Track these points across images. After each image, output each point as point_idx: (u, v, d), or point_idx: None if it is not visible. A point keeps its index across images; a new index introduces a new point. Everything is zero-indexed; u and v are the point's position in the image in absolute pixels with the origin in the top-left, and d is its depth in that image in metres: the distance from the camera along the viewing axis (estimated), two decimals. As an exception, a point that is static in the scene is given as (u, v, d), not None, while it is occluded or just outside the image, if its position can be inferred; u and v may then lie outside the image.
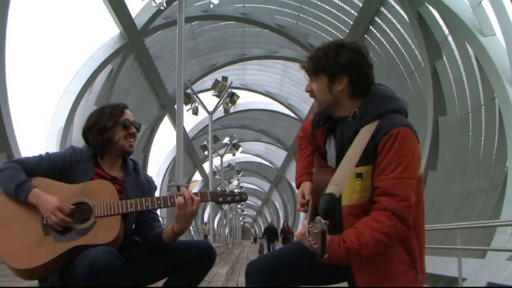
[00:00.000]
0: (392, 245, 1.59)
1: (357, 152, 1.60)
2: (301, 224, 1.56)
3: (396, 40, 16.97)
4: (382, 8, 17.01)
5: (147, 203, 1.97)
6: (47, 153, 2.07)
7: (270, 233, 19.95)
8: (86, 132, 2.11)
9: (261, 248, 22.73)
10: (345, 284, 1.81)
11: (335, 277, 1.78)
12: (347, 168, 1.60)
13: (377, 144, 1.59)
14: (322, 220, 1.42)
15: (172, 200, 1.97)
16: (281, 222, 35.13)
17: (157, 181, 30.03)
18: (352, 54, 1.67)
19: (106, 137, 2.06)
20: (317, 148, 1.89)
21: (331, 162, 1.78)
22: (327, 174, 1.69)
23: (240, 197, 2.06)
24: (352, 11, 18.64)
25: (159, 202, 1.99)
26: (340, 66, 1.67)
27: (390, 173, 1.57)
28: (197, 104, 18.29)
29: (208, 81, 25.32)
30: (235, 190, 2.13)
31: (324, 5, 19.94)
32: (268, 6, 21.77)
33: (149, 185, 2.19)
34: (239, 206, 47.10)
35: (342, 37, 1.92)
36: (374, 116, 1.64)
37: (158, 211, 2.25)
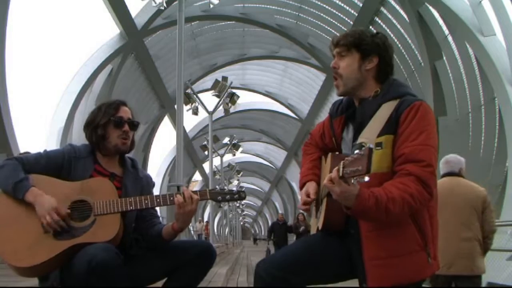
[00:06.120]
0: (407, 219, 1.58)
1: (380, 121, 1.65)
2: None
3: (396, 40, 16.96)
4: (382, 8, 17.03)
5: (146, 201, 1.98)
6: (45, 151, 2.08)
7: (280, 231, 13.57)
8: (85, 129, 2.14)
9: (268, 255, 15.78)
10: (350, 284, 1.80)
11: (345, 274, 1.76)
12: (373, 130, 1.64)
13: (400, 115, 1.63)
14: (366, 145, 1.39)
15: (171, 198, 1.98)
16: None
17: (157, 181, 30.02)
18: (386, 40, 1.78)
19: (100, 135, 2.07)
20: (333, 136, 1.89)
21: (349, 146, 1.79)
22: (343, 158, 1.70)
23: (239, 196, 2.07)
24: (352, 11, 18.66)
25: (158, 200, 2.00)
26: (375, 45, 1.74)
27: (414, 140, 1.59)
28: (197, 104, 18.28)
29: (208, 81, 25.31)
30: (234, 189, 2.13)
31: (324, 5, 19.96)
32: (268, 6, 21.78)
33: (148, 182, 2.21)
34: (238, 205, 47.09)
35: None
36: (395, 95, 1.70)
37: (158, 210, 2.26)
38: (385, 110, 1.66)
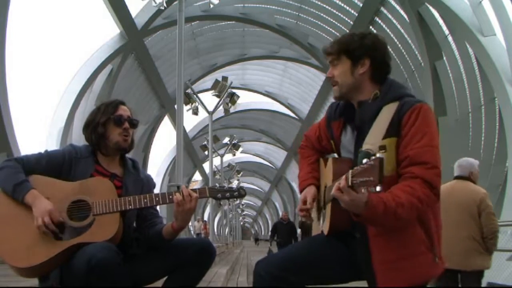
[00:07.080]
0: (413, 221, 1.59)
1: (382, 125, 1.63)
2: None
3: (396, 40, 16.97)
4: (382, 8, 17.05)
5: (145, 200, 1.96)
6: (46, 151, 2.08)
7: (284, 231, 12.50)
8: (84, 130, 2.13)
9: None
10: (355, 284, 1.80)
11: (347, 277, 1.76)
12: (377, 135, 1.63)
13: (402, 118, 1.62)
14: (376, 155, 1.38)
15: (170, 197, 1.97)
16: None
17: (157, 181, 30.03)
18: (376, 40, 1.74)
19: (100, 133, 2.07)
20: (331, 139, 1.88)
21: (348, 149, 1.78)
22: (346, 163, 1.72)
23: (238, 193, 2.05)
24: (352, 11, 18.67)
25: (157, 199, 1.98)
26: (364, 48, 1.71)
27: (418, 142, 1.58)
28: (197, 104, 18.29)
29: (208, 81, 25.32)
30: (234, 186, 2.12)
31: (324, 5, 19.98)
32: (268, 6, 21.80)
33: (148, 182, 2.20)
34: (238, 205, 47.08)
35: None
36: (395, 97, 1.68)
37: (158, 210, 2.25)
38: (386, 113, 1.65)
